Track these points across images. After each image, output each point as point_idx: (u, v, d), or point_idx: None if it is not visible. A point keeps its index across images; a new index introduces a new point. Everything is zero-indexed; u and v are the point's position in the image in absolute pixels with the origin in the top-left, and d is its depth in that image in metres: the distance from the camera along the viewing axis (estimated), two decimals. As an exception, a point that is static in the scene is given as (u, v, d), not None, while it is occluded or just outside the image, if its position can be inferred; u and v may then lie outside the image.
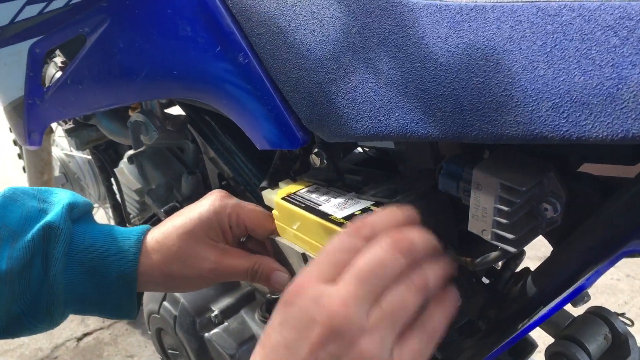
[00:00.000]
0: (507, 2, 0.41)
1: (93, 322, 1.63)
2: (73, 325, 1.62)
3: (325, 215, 0.53)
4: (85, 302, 0.58)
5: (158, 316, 0.85)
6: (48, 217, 0.54)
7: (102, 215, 1.58)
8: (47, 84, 0.98)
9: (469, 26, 0.42)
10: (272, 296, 0.75)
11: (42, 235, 0.54)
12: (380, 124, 0.49)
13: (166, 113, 0.82)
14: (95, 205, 1.55)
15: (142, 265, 0.58)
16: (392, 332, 0.39)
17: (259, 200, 0.85)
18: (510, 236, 0.45)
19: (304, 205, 0.56)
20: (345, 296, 0.39)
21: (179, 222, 0.59)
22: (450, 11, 0.44)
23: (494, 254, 0.48)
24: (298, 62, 0.55)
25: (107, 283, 0.57)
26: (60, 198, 0.58)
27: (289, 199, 0.59)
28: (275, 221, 0.61)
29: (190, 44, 0.64)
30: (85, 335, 1.59)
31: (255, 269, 0.60)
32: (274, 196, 0.61)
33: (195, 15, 0.63)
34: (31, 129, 0.92)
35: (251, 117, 0.62)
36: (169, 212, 0.85)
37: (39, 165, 1.37)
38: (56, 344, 1.55)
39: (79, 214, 0.59)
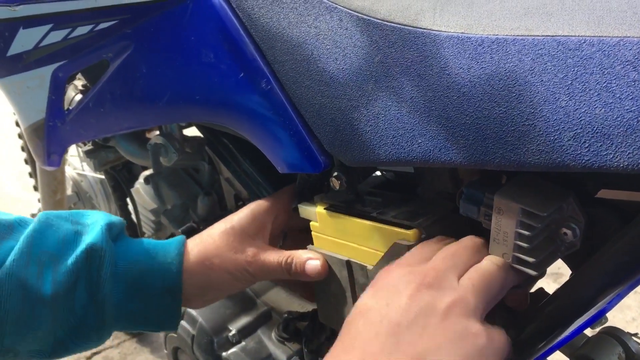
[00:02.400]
0: (527, 35, 0.43)
1: (102, 340, 1.64)
2: (82, 343, 1.63)
3: (382, 220, 0.56)
4: (132, 319, 0.59)
5: (175, 335, 0.86)
6: (89, 239, 0.56)
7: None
8: (65, 106, 1.00)
9: (491, 58, 0.44)
10: (289, 316, 0.77)
11: (85, 258, 0.55)
12: (402, 150, 0.50)
13: (185, 135, 0.84)
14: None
15: (185, 272, 0.60)
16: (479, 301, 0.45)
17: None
18: (530, 260, 0.46)
19: (352, 213, 0.59)
20: (435, 265, 0.47)
21: (218, 224, 0.65)
22: (472, 43, 0.46)
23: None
24: (321, 89, 0.57)
25: (153, 298, 0.59)
26: (96, 219, 0.59)
27: (332, 208, 0.62)
28: (314, 233, 0.64)
29: (213, 70, 0.66)
30: (94, 354, 1.59)
31: (289, 262, 0.63)
32: (314, 208, 0.63)
33: (218, 43, 0.65)
34: (51, 150, 0.94)
35: (273, 141, 0.63)
36: (187, 233, 0.87)
37: (52, 184, 1.38)
38: (65, 363, 1.56)
39: (117, 233, 0.60)
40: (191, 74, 0.69)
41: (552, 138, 0.40)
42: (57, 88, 0.86)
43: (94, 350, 1.61)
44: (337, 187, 0.63)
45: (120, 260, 0.58)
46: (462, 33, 0.47)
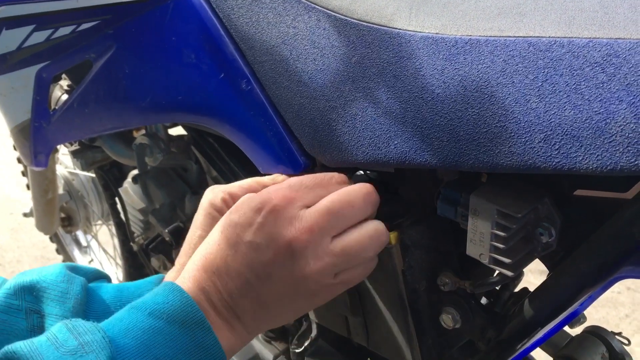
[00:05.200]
0: (500, 36, 0.43)
1: None
2: None
3: None
4: None
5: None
6: None
7: (105, 232, 1.59)
8: (52, 106, 1.00)
9: (464, 59, 0.44)
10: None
11: None
12: (379, 152, 0.50)
13: (170, 135, 0.84)
14: (99, 222, 1.57)
15: None
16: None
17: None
18: (507, 260, 0.46)
19: None
20: (313, 224, 0.47)
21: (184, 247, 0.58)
22: (446, 44, 0.46)
23: (492, 278, 0.49)
24: (300, 89, 0.57)
25: None
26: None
27: None
28: None
29: (194, 70, 0.66)
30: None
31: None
32: None
33: (199, 43, 0.65)
34: (37, 151, 0.94)
35: (254, 142, 0.63)
36: (173, 233, 0.87)
37: (43, 184, 1.38)
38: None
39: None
40: (173, 74, 0.68)
41: (523, 140, 0.40)
42: (42, 88, 0.86)
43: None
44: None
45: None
46: (436, 34, 0.47)
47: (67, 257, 1.79)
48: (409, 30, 0.49)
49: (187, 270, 0.49)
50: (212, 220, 0.55)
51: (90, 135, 0.87)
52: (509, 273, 0.46)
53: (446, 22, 0.47)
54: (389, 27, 0.50)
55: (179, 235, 0.88)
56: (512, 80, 0.41)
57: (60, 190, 1.52)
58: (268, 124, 0.61)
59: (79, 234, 1.74)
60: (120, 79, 0.75)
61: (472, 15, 0.47)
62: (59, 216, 1.52)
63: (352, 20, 0.53)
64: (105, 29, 0.75)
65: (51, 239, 1.76)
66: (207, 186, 1.00)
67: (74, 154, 1.01)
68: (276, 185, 0.51)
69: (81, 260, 1.76)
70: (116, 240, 1.41)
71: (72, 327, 0.42)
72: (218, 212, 0.55)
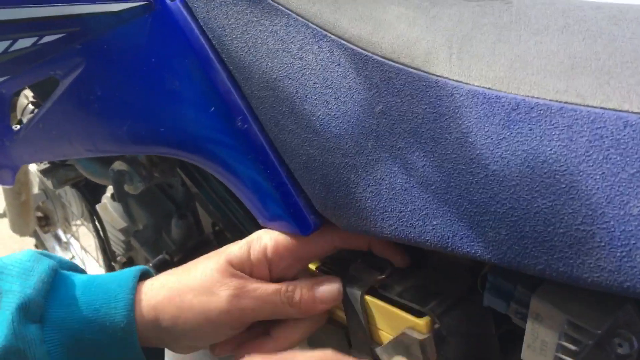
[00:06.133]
0: (580, 105, 0.33)
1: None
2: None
3: (385, 298, 0.47)
4: None
5: None
6: None
7: (85, 232, 1.49)
8: (19, 115, 0.88)
9: (530, 130, 0.34)
10: None
11: None
12: (412, 229, 0.41)
13: (153, 159, 0.73)
14: (78, 222, 1.46)
15: (139, 317, 0.50)
16: None
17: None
18: (575, 376, 0.37)
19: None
20: None
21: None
22: (503, 106, 0.35)
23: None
24: (308, 137, 0.47)
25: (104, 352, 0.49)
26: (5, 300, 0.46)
27: (325, 269, 0.53)
28: None
29: (178, 100, 0.55)
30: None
31: (291, 290, 0.49)
32: None
33: (184, 68, 0.54)
34: (1, 169, 0.83)
35: (252, 191, 0.53)
36: (158, 267, 0.77)
37: (15, 186, 1.27)
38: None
39: (38, 306, 0.47)
40: (153, 102, 0.58)
41: (618, 255, 0.30)
42: (2, 105, 0.75)
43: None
44: (330, 243, 0.53)
45: (52, 333, 0.47)
46: (488, 89, 0.36)
47: (47, 254, 1.69)
48: (451, 80, 0.38)
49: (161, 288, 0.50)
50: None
51: (59, 158, 0.76)
52: (577, 390, 0.37)
53: (501, 74, 0.37)
54: (424, 72, 0.40)
55: (165, 269, 0.78)
56: (601, 171, 0.31)
57: (36, 190, 1.41)
58: (269, 172, 0.51)
59: (59, 232, 1.64)
60: (92, 102, 0.64)
61: (534, 65, 0.36)
62: (34, 217, 1.42)
63: (375, 57, 0.43)
64: (72, 43, 0.63)
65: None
66: (194, 206, 0.90)
67: (44, 173, 0.90)
68: None
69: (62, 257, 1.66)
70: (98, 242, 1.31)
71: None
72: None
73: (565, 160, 0.32)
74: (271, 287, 0.49)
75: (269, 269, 0.51)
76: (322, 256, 0.53)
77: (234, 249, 0.52)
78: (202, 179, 0.77)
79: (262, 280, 0.51)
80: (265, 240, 0.51)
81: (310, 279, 0.51)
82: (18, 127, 0.77)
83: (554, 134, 0.33)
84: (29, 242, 1.77)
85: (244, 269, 0.51)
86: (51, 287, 0.48)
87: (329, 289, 0.50)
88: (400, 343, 0.45)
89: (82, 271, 0.55)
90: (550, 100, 0.34)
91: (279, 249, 0.50)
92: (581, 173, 0.32)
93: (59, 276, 0.50)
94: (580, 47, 0.36)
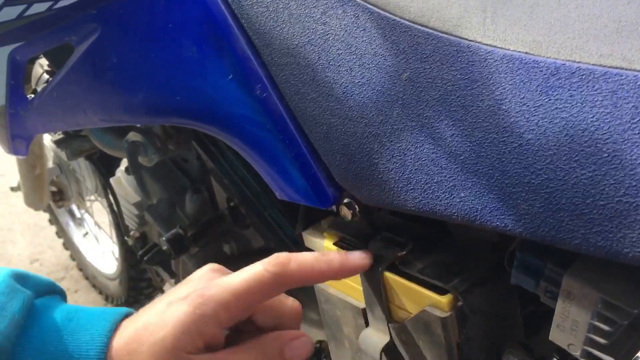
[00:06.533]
0: (626, 69, 0.30)
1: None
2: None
3: (406, 274, 0.45)
4: None
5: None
6: None
7: (99, 209, 1.48)
8: (33, 84, 0.87)
9: (570, 97, 0.32)
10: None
11: None
12: (439, 202, 0.39)
13: (168, 130, 0.72)
14: (92, 197, 1.46)
15: None
16: None
17: (269, 229, 0.76)
18: (608, 359, 0.35)
19: None
20: None
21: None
22: (541, 71, 0.33)
23: (579, 369, 0.38)
24: (330, 105, 0.45)
25: None
26: None
27: (344, 245, 0.51)
28: None
29: (195, 67, 0.54)
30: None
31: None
32: (322, 240, 0.53)
33: (202, 34, 0.52)
34: (15, 138, 0.82)
35: (269, 162, 0.51)
36: (172, 241, 0.76)
37: (30, 159, 1.27)
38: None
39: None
40: (169, 70, 0.56)
41: (664, 229, 0.28)
42: (17, 72, 0.73)
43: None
44: (350, 217, 0.51)
45: None
46: (525, 54, 0.34)
47: (61, 229, 1.69)
48: (484, 44, 0.36)
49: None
50: None
51: (74, 128, 0.75)
52: (608, 373, 0.36)
53: (539, 37, 0.35)
54: (455, 36, 0.38)
55: (179, 243, 0.77)
56: (649, 139, 0.29)
57: (50, 164, 1.40)
58: (288, 142, 0.49)
59: (73, 207, 1.64)
60: (107, 69, 0.62)
61: (576, 28, 0.34)
62: (48, 191, 1.41)
63: (403, 21, 0.41)
64: (87, 9, 0.62)
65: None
66: (209, 181, 0.89)
67: (58, 143, 0.89)
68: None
69: (76, 233, 1.66)
70: (112, 218, 1.31)
71: None
72: None
73: (608, 128, 0.30)
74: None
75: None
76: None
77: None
78: (217, 152, 0.75)
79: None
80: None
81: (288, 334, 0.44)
82: (32, 96, 0.75)
83: (596, 100, 0.31)
84: (44, 217, 1.78)
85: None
86: (22, 331, 0.43)
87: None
88: (421, 321, 0.43)
89: (60, 291, 0.50)
90: (593, 64, 0.31)
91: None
92: (626, 141, 0.30)
93: (33, 313, 0.44)
94: (626, 10, 0.34)
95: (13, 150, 0.85)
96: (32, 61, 0.82)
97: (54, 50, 0.70)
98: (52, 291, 0.48)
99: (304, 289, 0.74)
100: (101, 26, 0.61)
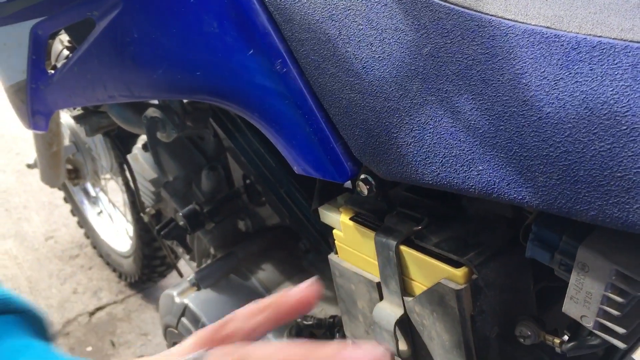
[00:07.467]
0: (648, 42, 0.31)
1: (106, 295, 1.58)
2: (85, 298, 1.57)
3: (422, 248, 0.46)
4: None
5: (176, 331, 0.78)
6: None
7: (114, 188, 1.50)
8: (53, 61, 0.88)
9: (591, 70, 0.32)
10: (304, 322, 0.68)
11: None
12: (456, 175, 0.39)
13: (186, 106, 0.73)
14: (107, 176, 1.47)
15: None
16: None
17: (285, 206, 0.77)
18: (620, 330, 0.36)
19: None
20: None
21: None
22: (562, 45, 0.34)
23: (593, 340, 0.39)
24: (350, 80, 0.45)
25: None
26: None
27: (360, 220, 0.52)
28: (337, 242, 0.55)
29: (216, 42, 0.54)
30: (98, 309, 1.54)
31: None
32: (337, 215, 0.54)
33: (223, 9, 0.53)
34: (35, 114, 0.83)
35: (288, 137, 0.52)
36: (188, 217, 0.77)
37: (46, 136, 1.28)
38: (68, 318, 1.50)
39: None
40: (190, 45, 0.57)
41: (681, 199, 0.29)
42: (38, 47, 0.74)
43: (98, 305, 1.56)
44: (366, 193, 0.52)
45: None
46: (547, 28, 0.35)
47: (75, 207, 1.71)
48: (505, 19, 0.37)
49: None
50: None
51: (94, 103, 0.75)
52: (621, 345, 0.36)
53: (561, 12, 0.35)
54: (477, 12, 0.38)
55: (195, 219, 0.78)
56: (668, 112, 0.29)
57: (66, 142, 1.42)
58: (307, 117, 0.50)
59: (88, 185, 1.65)
60: (128, 44, 0.63)
61: (597, 3, 0.35)
62: (64, 168, 1.43)
63: (425, -4, 0.41)
64: (109, -16, 0.63)
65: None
66: (225, 159, 0.90)
67: (77, 119, 0.90)
68: None
69: (91, 211, 1.68)
70: (126, 197, 1.32)
71: None
72: None
73: (627, 102, 0.31)
74: None
75: None
76: None
77: None
78: (235, 130, 0.76)
79: None
80: None
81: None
82: (53, 72, 0.76)
83: (616, 74, 0.31)
84: (58, 196, 1.80)
85: None
86: None
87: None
88: (435, 293, 0.44)
89: (19, 309, 0.39)
90: (614, 38, 0.32)
91: None
92: (645, 114, 0.30)
93: None
94: (647, -14, 0.34)
95: (33, 126, 0.86)
96: (53, 37, 0.83)
97: (76, 26, 0.71)
98: (5, 310, 0.38)
99: (317, 265, 0.75)
100: (123, 1, 0.61)
